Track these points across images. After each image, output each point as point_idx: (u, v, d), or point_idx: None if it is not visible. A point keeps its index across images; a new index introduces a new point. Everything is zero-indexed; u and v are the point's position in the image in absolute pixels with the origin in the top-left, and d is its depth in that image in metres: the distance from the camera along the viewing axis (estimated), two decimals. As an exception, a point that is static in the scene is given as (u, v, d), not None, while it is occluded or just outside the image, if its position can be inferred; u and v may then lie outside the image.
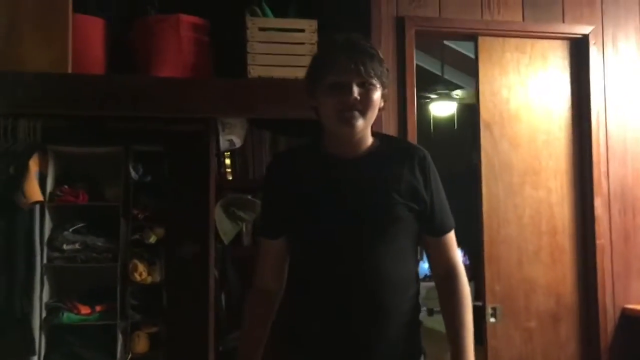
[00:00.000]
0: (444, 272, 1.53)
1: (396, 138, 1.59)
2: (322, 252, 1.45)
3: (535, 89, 2.79)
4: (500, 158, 2.73)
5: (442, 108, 6.83)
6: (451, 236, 1.55)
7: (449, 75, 6.94)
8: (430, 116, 6.84)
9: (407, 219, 1.47)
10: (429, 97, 6.67)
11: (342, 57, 1.42)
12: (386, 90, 1.49)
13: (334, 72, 1.43)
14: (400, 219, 1.46)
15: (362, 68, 1.42)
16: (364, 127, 1.47)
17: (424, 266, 10.11)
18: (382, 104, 1.50)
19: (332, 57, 1.45)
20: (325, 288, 1.45)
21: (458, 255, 1.55)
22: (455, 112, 6.79)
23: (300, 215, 1.48)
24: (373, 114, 1.47)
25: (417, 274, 1.54)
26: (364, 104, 1.44)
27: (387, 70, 1.49)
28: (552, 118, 2.79)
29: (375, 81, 1.44)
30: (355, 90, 1.42)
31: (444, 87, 6.61)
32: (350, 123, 1.43)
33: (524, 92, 2.78)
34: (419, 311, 1.55)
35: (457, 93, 6.38)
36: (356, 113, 1.43)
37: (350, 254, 1.44)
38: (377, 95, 1.45)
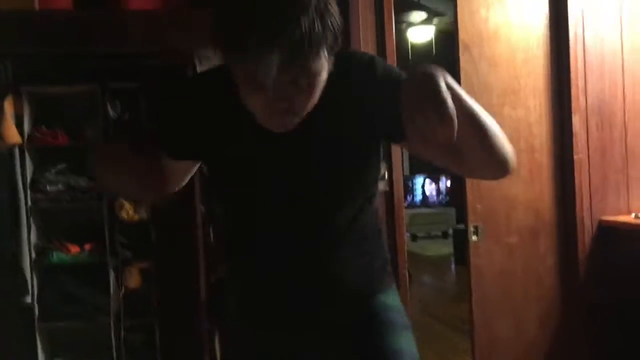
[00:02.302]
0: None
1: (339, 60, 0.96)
2: (261, 215, 1.12)
3: (513, 7, 2.76)
4: (479, 79, 2.73)
5: (420, 34, 6.77)
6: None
7: (426, 0, 6.83)
8: (408, 43, 6.78)
9: (367, 163, 1.13)
10: (407, 23, 6.59)
11: (256, 43, 0.85)
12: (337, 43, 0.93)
13: (245, 67, 0.89)
14: (358, 172, 1.12)
15: (290, 58, 0.87)
16: None
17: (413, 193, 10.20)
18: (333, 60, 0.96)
19: (240, 37, 0.87)
20: (268, 251, 1.13)
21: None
22: (433, 38, 6.73)
23: (233, 177, 1.11)
24: (315, 99, 0.97)
25: (372, 190, 1.18)
26: (301, 105, 0.96)
27: (335, 24, 0.90)
28: (530, 36, 2.78)
29: (315, 64, 0.91)
30: (283, 93, 0.91)
31: (422, 12, 6.52)
32: (285, 128, 0.98)
33: (502, 10, 2.75)
34: (376, 231, 1.21)
35: (435, 22, 6.29)
36: (290, 117, 0.97)
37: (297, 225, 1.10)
38: (319, 78, 0.94)
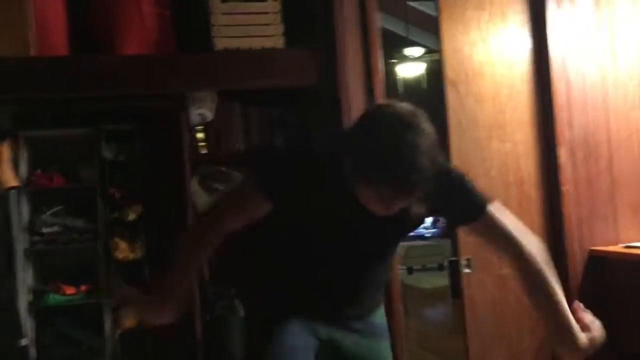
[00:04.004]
0: (509, 253, 1.48)
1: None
2: (319, 270, 1.51)
3: (496, 45, 2.85)
4: (466, 114, 2.79)
5: (411, 69, 6.88)
6: (491, 214, 1.46)
7: (414, 36, 6.97)
8: (396, 78, 6.89)
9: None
10: (396, 60, 6.70)
11: (388, 187, 1.21)
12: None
13: (374, 192, 1.23)
14: (395, 249, 1.63)
15: (405, 201, 1.26)
16: None
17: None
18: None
19: (377, 179, 1.21)
20: (313, 292, 1.53)
21: (516, 224, 1.49)
22: (425, 72, 6.85)
23: (316, 230, 1.44)
24: None
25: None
26: (399, 208, 1.30)
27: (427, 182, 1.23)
28: (514, 72, 2.86)
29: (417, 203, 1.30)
30: (395, 207, 1.27)
31: (410, 47, 6.64)
32: (387, 214, 1.29)
33: (485, 48, 2.83)
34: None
35: (418, 54, 6.37)
36: (395, 209, 1.29)
37: (344, 281, 1.51)
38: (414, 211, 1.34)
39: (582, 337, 1.39)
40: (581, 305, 1.45)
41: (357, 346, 1.59)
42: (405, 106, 1.25)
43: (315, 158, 1.41)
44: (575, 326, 1.40)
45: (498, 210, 1.48)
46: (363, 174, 1.22)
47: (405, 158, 1.18)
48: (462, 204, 1.45)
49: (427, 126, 1.23)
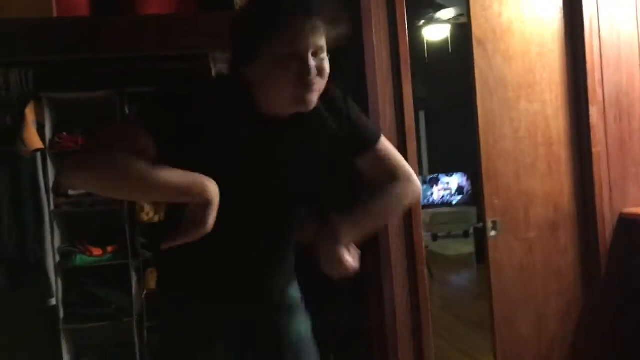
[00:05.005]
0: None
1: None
2: (231, 216, 1.21)
3: (526, 1, 2.75)
4: (494, 74, 2.72)
5: (436, 32, 6.74)
6: (382, 146, 1.38)
7: (441, -2, 6.80)
8: (424, 41, 6.76)
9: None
10: (421, 23, 6.56)
11: (295, 13, 1.12)
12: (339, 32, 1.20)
13: (283, 37, 1.12)
14: (316, 197, 1.39)
15: (319, 29, 1.14)
16: None
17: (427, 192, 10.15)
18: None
19: (279, 12, 1.12)
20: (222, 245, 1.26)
21: (401, 161, 1.40)
22: (449, 36, 6.70)
23: (220, 171, 1.17)
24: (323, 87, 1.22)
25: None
26: (321, 79, 1.18)
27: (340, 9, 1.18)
28: (544, 29, 2.76)
29: (325, 43, 1.17)
30: (312, 64, 1.14)
31: (435, 10, 6.49)
32: (307, 105, 1.18)
33: (515, 4, 2.74)
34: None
35: (444, 15, 6.22)
36: (314, 93, 1.18)
37: (260, 228, 1.31)
38: (328, 66, 1.19)
39: (342, 248, 1.27)
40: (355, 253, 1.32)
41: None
42: None
43: (206, 86, 1.29)
44: (346, 238, 1.28)
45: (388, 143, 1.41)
46: (266, 17, 1.12)
47: None
48: (361, 129, 1.36)
49: None
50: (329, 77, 1.21)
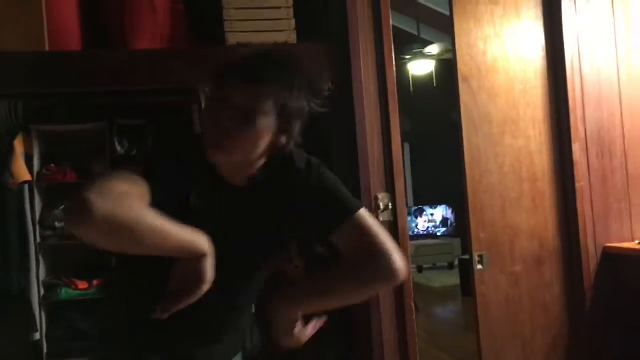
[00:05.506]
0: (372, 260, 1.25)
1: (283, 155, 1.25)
2: None
3: (510, 40, 2.83)
4: (479, 110, 2.78)
5: (421, 67, 6.87)
6: (361, 218, 1.26)
7: (425, 34, 6.96)
8: (409, 76, 6.88)
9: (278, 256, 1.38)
10: (407, 58, 6.69)
11: (241, 77, 1.15)
12: (295, 127, 1.19)
13: (218, 87, 1.17)
14: (273, 260, 1.36)
15: (252, 87, 1.14)
16: (238, 163, 1.20)
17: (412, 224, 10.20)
18: (284, 141, 1.19)
19: (231, 69, 1.18)
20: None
21: (382, 235, 1.26)
22: (434, 70, 6.83)
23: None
24: (253, 150, 1.17)
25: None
26: (237, 133, 1.14)
27: (297, 111, 1.18)
28: (528, 67, 2.84)
29: (267, 106, 1.14)
30: (228, 110, 1.13)
31: (421, 45, 6.63)
32: (218, 151, 1.16)
33: (499, 43, 2.82)
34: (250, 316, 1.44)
35: (430, 51, 6.37)
36: (229, 142, 1.14)
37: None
38: (257, 125, 1.14)
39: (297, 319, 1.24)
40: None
41: None
42: None
43: (186, 143, 1.28)
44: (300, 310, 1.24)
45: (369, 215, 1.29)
46: (214, 76, 1.18)
47: (263, 51, 1.21)
48: (336, 199, 1.27)
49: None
50: (301, 146, 1.24)
